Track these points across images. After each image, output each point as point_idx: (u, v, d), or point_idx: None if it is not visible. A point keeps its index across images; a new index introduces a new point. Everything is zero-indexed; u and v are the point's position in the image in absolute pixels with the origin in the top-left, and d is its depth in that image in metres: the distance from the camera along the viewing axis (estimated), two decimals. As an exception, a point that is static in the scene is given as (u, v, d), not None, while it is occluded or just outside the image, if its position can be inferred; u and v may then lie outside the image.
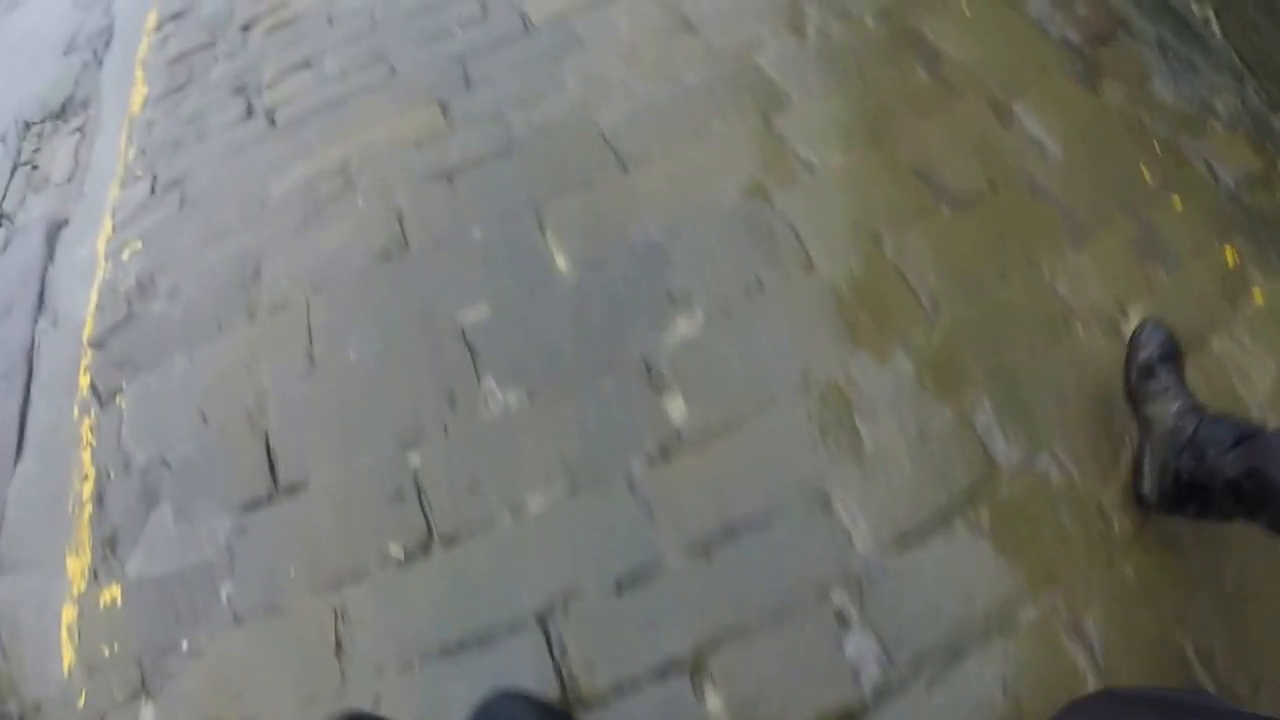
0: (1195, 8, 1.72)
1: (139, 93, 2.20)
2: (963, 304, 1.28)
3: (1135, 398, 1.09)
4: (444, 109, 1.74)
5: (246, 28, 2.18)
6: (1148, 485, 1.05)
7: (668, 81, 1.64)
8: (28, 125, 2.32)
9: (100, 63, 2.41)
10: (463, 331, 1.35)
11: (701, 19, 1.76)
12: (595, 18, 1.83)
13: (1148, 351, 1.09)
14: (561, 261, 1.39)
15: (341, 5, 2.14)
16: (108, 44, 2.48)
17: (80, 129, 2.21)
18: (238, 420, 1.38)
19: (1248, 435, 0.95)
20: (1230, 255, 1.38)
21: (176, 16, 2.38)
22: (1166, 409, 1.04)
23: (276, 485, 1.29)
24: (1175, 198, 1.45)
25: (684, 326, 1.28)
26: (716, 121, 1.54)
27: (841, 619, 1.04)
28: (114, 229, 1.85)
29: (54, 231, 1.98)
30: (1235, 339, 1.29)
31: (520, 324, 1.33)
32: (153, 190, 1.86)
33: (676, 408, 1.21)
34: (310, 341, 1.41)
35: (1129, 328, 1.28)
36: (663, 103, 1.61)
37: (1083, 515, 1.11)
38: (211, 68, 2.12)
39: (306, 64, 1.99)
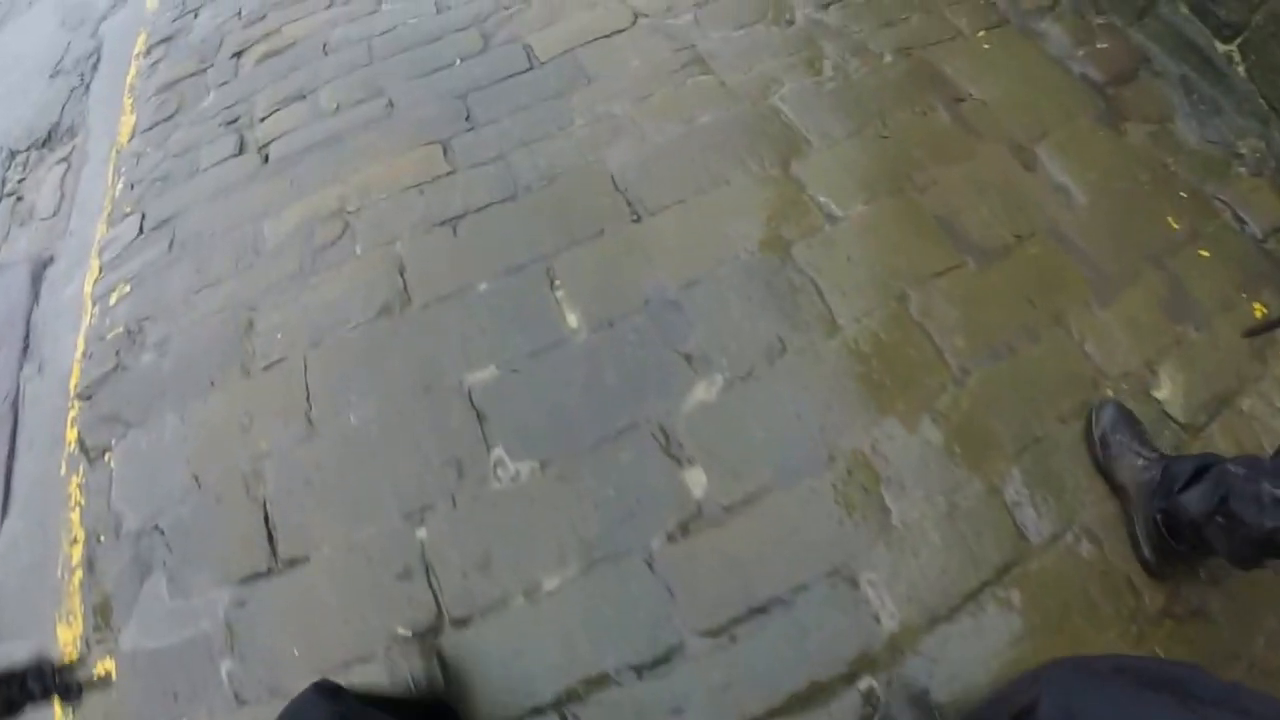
0: (1219, 46, 1.66)
1: (127, 122, 2.08)
2: (991, 367, 1.22)
3: (1106, 472, 1.11)
4: (445, 149, 1.64)
5: (238, 55, 2.06)
6: (1145, 548, 1.05)
7: (681, 123, 1.55)
8: (12, 154, 2.20)
9: (87, 88, 2.29)
10: (470, 395, 1.26)
11: (715, 55, 1.67)
12: (603, 52, 1.73)
13: (1100, 427, 1.12)
14: (572, 319, 1.31)
15: (337, 33, 2.02)
16: (95, 68, 2.35)
17: (66, 159, 2.09)
18: (233, 485, 1.29)
19: (1205, 466, 0.97)
20: (1259, 311, 1.32)
21: (166, 40, 2.25)
22: (1133, 466, 1.07)
23: (276, 558, 1.21)
24: (1202, 249, 1.39)
25: (702, 391, 1.20)
26: (732, 167, 1.46)
27: (869, 700, 0.99)
28: (101, 270, 1.75)
29: (39, 270, 1.87)
30: (1264, 397, 1.23)
31: (530, 387, 1.24)
32: (141, 229, 1.75)
33: (696, 480, 1.14)
34: (308, 402, 1.32)
35: (1159, 390, 1.25)
36: (676, 146, 1.52)
37: (1113, 590, 1.06)
38: (202, 97, 2.00)
39: (300, 96, 1.87)
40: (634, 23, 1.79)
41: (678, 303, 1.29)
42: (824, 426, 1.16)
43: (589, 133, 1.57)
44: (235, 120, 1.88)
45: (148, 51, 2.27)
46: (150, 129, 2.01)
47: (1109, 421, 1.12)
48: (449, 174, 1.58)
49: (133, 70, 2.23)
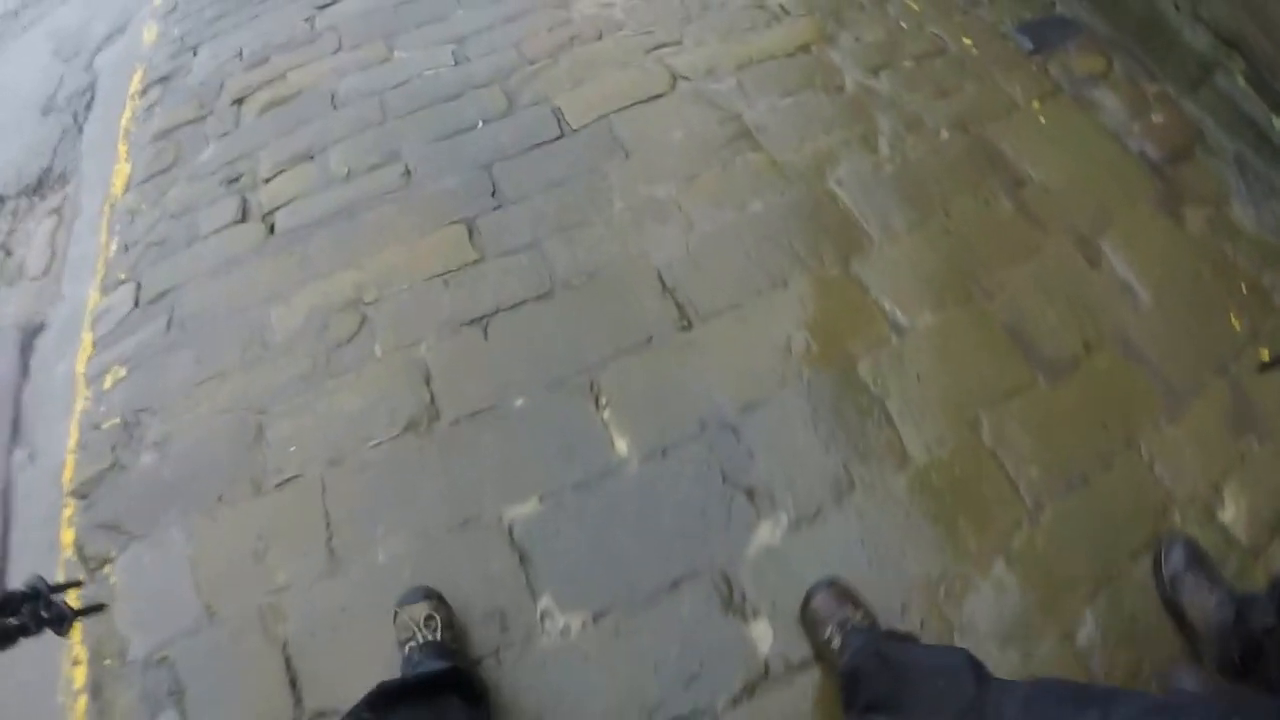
0: (1276, 122, 1.46)
1: (121, 171, 1.76)
2: (1065, 500, 1.04)
3: (1174, 610, 0.98)
4: (471, 230, 1.38)
5: (239, 102, 1.75)
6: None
7: (732, 209, 1.31)
8: (2, 200, 1.87)
9: (80, 129, 1.95)
10: (510, 531, 1.05)
11: (763, 127, 1.42)
12: (641, 120, 1.47)
13: (1170, 566, 1.00)
14: (621, 445, 1.09)
15: (346, 83, 1.72)
16: (89, 106, 2.00)
17: (58, 210, 1.77)
18: (250, 621, 1.07)
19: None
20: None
21: (164, 80, 1.92)
22: (1206, 606, 0.95)
23: (302, 710, 1.00)
24: (1264, 350, 1.23)
25: (766, 533, 1.01)
26: (790, 264, 1.23)
27: None
28: (94, 346, 1.47)
29: (29, 339, 1.59)
30: (1332, 515, 1.09)
31: (578, 525, 1.04)
32: (136, 301, 1.48)
33: (762, 635, 0.95)
34: (329, 531, 1.09)
35: (1224, 513, 1.10)
36: (727, 238, 1.28)
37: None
38: (201, 148, 1.69)
39: (308, 156, 1.58)
40: (673, 87, 1.53)
41: (736, 429, 1.08)
42: (897, 574, 0.98)
43: (631, 218, 1.32)
44: (237, 179, 1.58)
45: (144, 91, 1.93)
46: (146, 180, 1.70)
47: (1179, 561, 0.98)
48: (476, 263, 1.33)
49: (128, 112, 1.89)
